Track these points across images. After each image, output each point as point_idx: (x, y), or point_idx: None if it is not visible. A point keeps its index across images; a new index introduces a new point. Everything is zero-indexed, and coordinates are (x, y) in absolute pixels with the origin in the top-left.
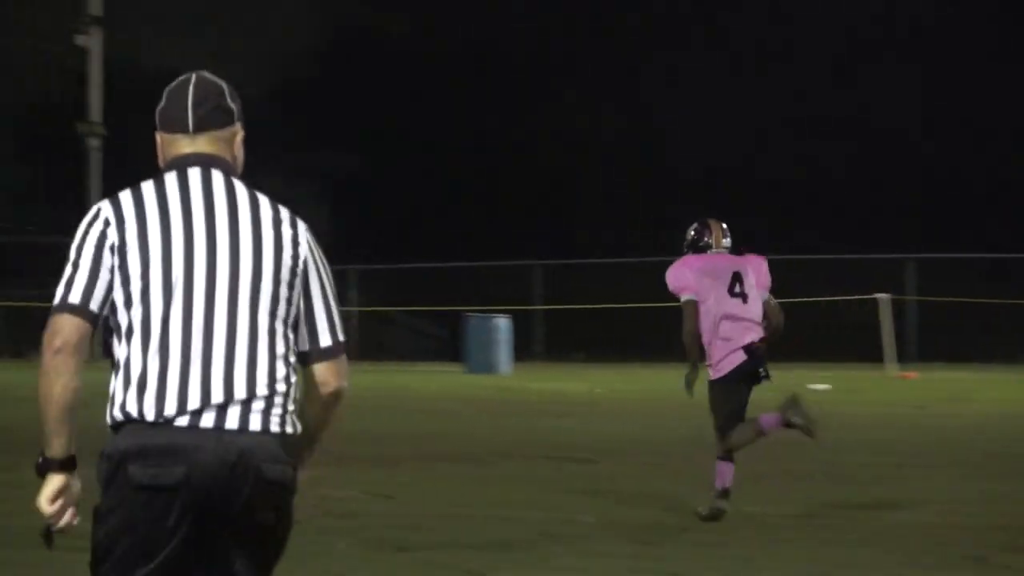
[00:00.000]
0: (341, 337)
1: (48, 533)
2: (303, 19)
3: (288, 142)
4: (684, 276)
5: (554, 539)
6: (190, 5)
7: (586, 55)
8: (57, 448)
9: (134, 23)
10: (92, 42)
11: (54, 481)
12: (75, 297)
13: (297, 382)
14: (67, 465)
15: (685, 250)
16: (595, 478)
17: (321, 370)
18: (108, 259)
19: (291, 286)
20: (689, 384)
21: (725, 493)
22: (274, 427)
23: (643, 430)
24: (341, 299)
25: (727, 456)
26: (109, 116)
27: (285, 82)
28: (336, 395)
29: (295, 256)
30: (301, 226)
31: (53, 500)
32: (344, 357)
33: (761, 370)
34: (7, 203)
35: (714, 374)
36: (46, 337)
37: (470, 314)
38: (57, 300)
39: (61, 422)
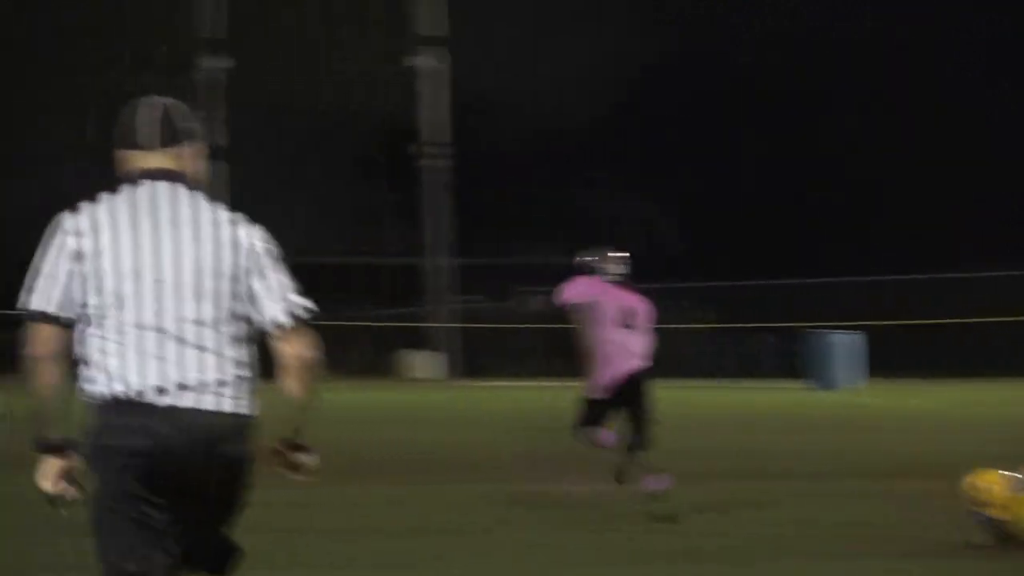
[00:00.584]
0: (296, 313)
1: (54, 502)
2: (624, 44)
3: (633, 161)
4: None
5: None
6: (523, 26)
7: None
8: (45, 425)
9: (467, 44)
10: (424, 63)
11: (51, 464)
12: (50, 306)
13: (251, 365)
14: (61, 445)
15: None
16: None
17: (280, 344)
18: (73, 266)
19: (235, 279)
20: None
21: None
22: (227, 407)
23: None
24: (694, 316)
25: None
26: (441, 137)
27: (608, 107)
28: (299, 361)
29: (236, 253)
30: (244, 227)
31: (54, 481)
32: (302, 330)
33: None
34: (346, 225)
35: None
36: (29, 341)
37: (812, 330)
38: (33, 307)
39: (45, 409)
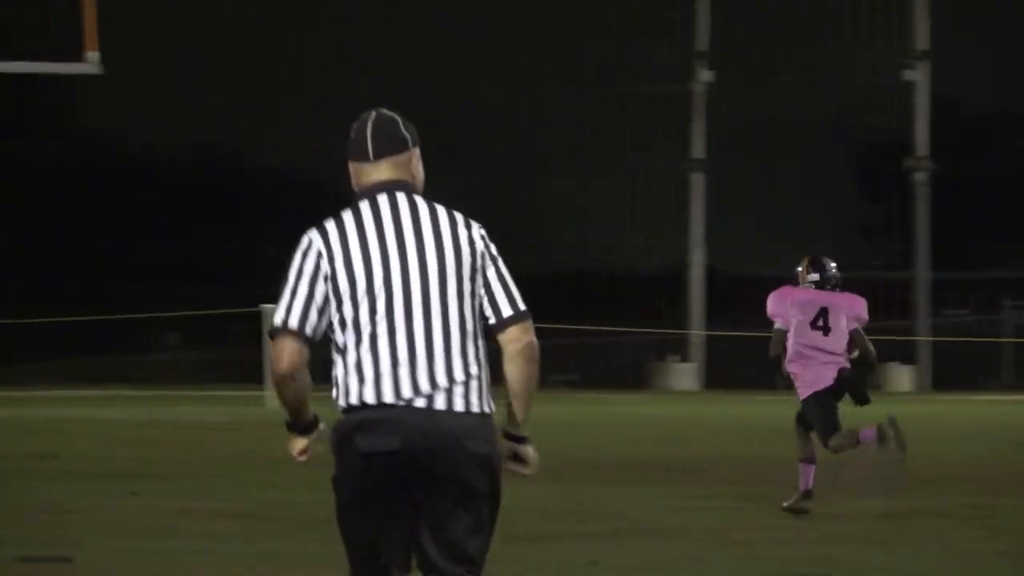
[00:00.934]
0: (521, 307)
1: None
2: None
3: None
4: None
5: None
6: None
7: None
8: (296, 418)
9: (959, 58)
10: (919, 76)
11: (298, 441)
12: (294, 322)
13: (486, 363)
14: (307, 429)
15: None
16: None
17: (509, 332)
18: (322, 287)
19: (473, 279)
20: None
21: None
22: (474, 407)
23: None
24: None
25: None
26: (936, 151)
27: None
28: (526, 347)
29: (472, 253)
30: (474, 225)
31: (300, 452)
32: (526, 321)
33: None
34: (847, 239)
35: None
36: (273, 356)
37: None
38: (278, 322)
39: (296, 410)
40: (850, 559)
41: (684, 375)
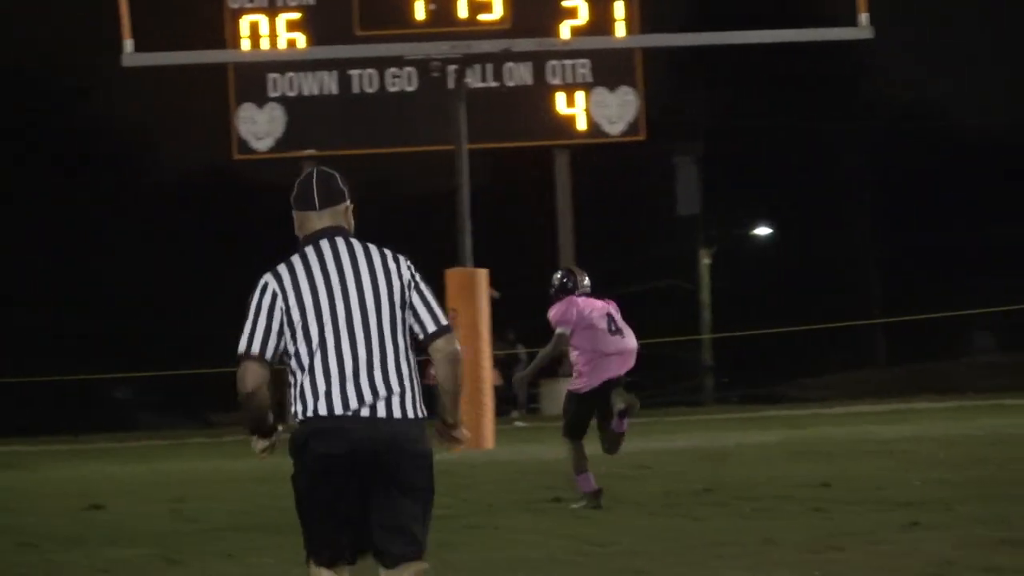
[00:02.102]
0: (444, 322)
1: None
2: None
3: None
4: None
5: None
6: None
7: None
8: (259, 425)
9: None
10: None
11: (260, 442)
12: (256, 348)
13: (418, 375)
14: (268, 433)
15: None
16: None
17: (435, 344)
18: (279, 319)
19: (402, 306)
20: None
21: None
22: (410, 413)
23: None
24: None
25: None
26: None
27: None
28: (450, 355)
29: (401, 283)
30: (401, 259)
31: (262, 451)
32: (449, 333)
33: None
34: None
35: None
36: (239, 377)
37: None
38: (242, 349)
39: (259, 419)
40: None
41: None
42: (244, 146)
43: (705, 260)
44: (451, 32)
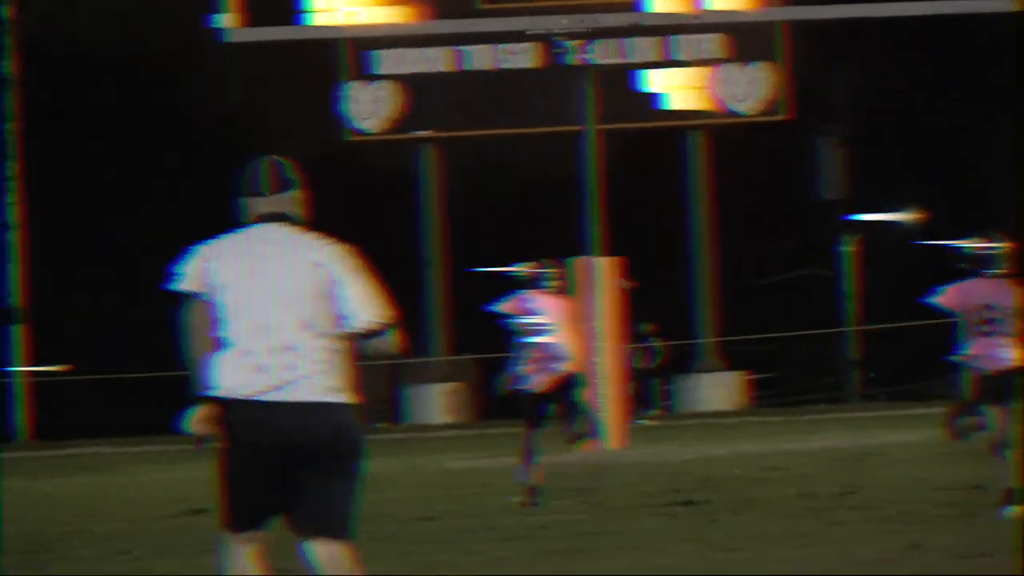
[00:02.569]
0: (369, 308)
1: (196, 440)
2: None
3: None
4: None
5: None
6: None
7: None
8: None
9: None
10: None
11: (200, 409)
12: (196, 286)
13: (338, 361)
14: (207, 400)
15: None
16: None
17: (358, 328)
18: (206, 278)
19: (324, 294)
20: None
21: None
22: (326, 398)
23: None
24: None
25: None
26: None
27: None
28: (371, 329)
29: (325, 271)
30: (328, 248)
31: (200, 423)
32: (381, 328)
33: None
34: None
35: None
36: (184, 317)
37: None
38: (183, 288)
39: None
40: None
41: None
42: (353, 127)
43: (849, 247)
44: (575, 5)
